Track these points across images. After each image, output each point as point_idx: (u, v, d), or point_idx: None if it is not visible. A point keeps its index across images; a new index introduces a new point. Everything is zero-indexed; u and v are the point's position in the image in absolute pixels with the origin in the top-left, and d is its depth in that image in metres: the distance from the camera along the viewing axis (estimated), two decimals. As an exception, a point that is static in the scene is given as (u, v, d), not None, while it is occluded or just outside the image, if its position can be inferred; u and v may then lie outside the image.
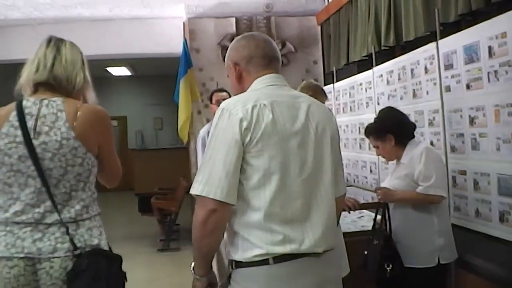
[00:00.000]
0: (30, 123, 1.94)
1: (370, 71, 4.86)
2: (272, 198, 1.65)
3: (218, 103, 4.49)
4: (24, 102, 2.02)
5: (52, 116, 1.95)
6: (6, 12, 7.01)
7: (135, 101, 14.28)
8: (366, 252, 3.05)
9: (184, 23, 7.07)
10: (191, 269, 1.79)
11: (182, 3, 6.86)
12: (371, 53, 4.95)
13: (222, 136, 1.67)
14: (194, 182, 1.68)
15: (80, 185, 1.98)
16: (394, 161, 3.13)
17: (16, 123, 1.93)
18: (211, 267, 1.81)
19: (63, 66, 2.13)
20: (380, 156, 3.25)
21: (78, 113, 1.98)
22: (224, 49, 6.93)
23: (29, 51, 7.38)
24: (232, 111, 1.68)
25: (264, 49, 1.90)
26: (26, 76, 2.12)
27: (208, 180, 1.63)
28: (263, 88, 1.84)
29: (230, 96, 4.22)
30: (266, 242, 1.63)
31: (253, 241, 1.65)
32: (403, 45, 4.60)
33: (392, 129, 2.97)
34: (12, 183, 1.92)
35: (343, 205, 2.13)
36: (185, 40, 6.77)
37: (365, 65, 5.34)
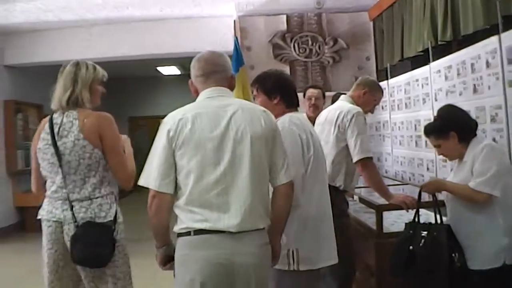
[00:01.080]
0: (56, 130, 2.68)
1: (427, 66, 4.75)
2: (191, 188, 2.13)
3: (309, 99, 4.49)
4: (54, 115, 2.74)
5: (69, 123, 2.67)
6: (60, 14, 7.19)
7: (185, 99, 13.97)
8: (411, 247, 2.92)
9: (234, 21, 7.09)
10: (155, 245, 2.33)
11: (232, 1, 6.89)
12: (427, 48, 4.84)
13: (157, 142, 2.21)
14: (140, 176, 2.22)
15: (91, 173, 2.66)
16: (456, 160, 3.02)
17: (48, 130, 2.70)
18: (169, 241, 2.31)
19: (83, 90, 2.77)
20: (441, 156, 3.13)
21: (85, 120, 2.66)
22: (276, 46, 6.93)
23: (82, 51, 7.59)
24: (165, 122, 2.22)
25: (203, 68, 2.36)
26: (56, 98, 2.75)
27: (147, 175, 2.19)
28: (201, 100, 2.32)
29: (322, 94, 4.40)
30: (189, 219, 2.14)
31: (182, 218, 2.17)
32: (460, 39, 4.48)
33: (455, 127, 2.86)
34: (51, 172, 2.71)
35: (287, 192, 2.31)
36: (236, 38, 6.77)
37: (419, 61, 5.22)
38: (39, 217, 2.76)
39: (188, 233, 2.14)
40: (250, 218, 2.14)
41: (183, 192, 2.16)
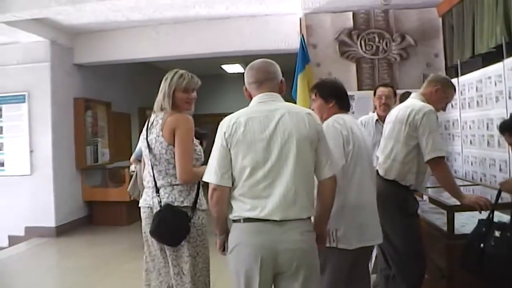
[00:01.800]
0: (148, 127, 3.21)
1: (500, 63, 4.58)
2: (243, 182, 2.48)
3: (380, 98, 4.47)
4: (152, 115, 3.25)
5: (156, 123, 3.15)
6: (128, 14, 7.39)
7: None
8: (482, 245, 2.86)
9: (300, 18, 7.07)
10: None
11: (298, -1, 6.86)
12: (500, 45, 4.67)
13: (216, 143, 2.56)
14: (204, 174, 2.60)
15: (170, 166, 3.10)
16: None
17: (145, 126, 3.26)
18: (227, 229, 2.69)
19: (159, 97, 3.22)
20: None
21: (166, 120, 3.09)
22: (342, 44, 6.87)
23: (149, 50, 7.78)
24: (221, 125, 2.56)
25: (255, 76, 2.66)
26: (156, 104, 3.22)
27: (209, 172, 2.55)
28: (254, 105, 2.63)
29: (393, 92, 4.45)
30: (240, 209, 2.50)
31: (234, 207, 2.54)
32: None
33: None
34: (146, 162, 3.24)
35: (331, 185, 2.63)
36: (302, 35, 6.75)
37: (491, 57, 5.05)
38: (139, 205, 3.29)
39: (239, 220, 2.51)
40: (292, 209, 2.45)
41: (236, 185, 2.51)
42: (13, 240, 7.98)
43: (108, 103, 9.87)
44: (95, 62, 8.74)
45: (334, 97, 3.11)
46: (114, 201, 8.79)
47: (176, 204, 3.05)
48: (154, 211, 3.09)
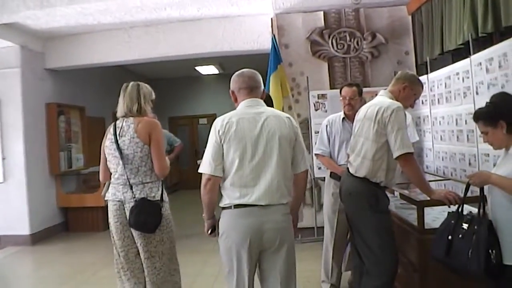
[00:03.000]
0: (118, 131, 3.60)
1: (467, 59, 4.65)
2: (234, 173, 2.88)
3: (344, 98, 4.51)
4: (117, 122, 3.66)
5: (127, 127, 3.59)
6: (99, 17, 7.35)
7: (224, 98, 14.04)
8: (450, 237, 2.90)
9: (272, 19, 7.09)
10: (202, 216, 3.11)
11: (269, -1, 6.88)
12: (468, 41, 4.75)
13: (210, 139, 2.95)
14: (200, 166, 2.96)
15: (143, 163, 3.55)
16: (502, 150, 2.93)
17: (112, 131, 3.62)
18: (214, 215, 3.10)
19: (127, 104, 3.65)
20: (487, 143, 3.03)
21: (139, 124, 3.56)
22: (314, 43, 6.91)
23: (122, 53, 7.73)
24: (216, 124, 2.95)
25: (247, 83, 3.06)
26: (119, 110, 3.69)
27: (204, 163, 2.93)
28: (242, 108, 3.02)
29: (358, 92, 4.53)
30: (230, 197, 2.90)
31: (225, 196, 2.94)
32: (502, 31, 4.37)
33: (505, 116, 2.77)
34: (113, 163, 3.61)
35: (304, 177, 3.11)
36: (274, 36, 6.78)
37: (460, 54, 5.13)
38: (105, 199, 3.68)
39: (230, 207, 2.90)
40: (275, 195, 2.89)
41: (227, 176, 2.91)
42: (-13, 249, 7.84)
43: (82, 107, 9.77)
44: (67, 66, 8.64)
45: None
46: (90, 207, 8.71)
47: (149, 198, 3.52)
48: (126, 205, 3.53)
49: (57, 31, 7.98)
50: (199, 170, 2.95)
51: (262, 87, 3.16)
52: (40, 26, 7.55)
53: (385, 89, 3.64)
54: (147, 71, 11.43)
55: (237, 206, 2.88)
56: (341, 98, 4.59)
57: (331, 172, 4.65)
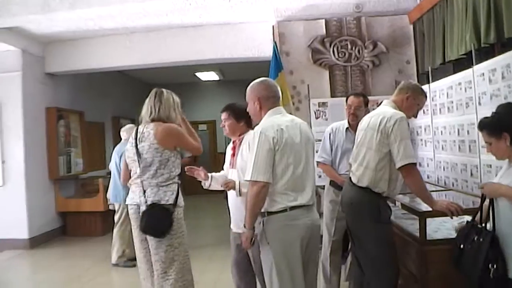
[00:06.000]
0: (138, 136, 3.73)
1: (470, 70, 4.64)
2: (289, 178, 3.02)
3: (349, 107, 4.49)
4: (139, 127, 3.80)
5: (147, 133, 3.70)
6: (101, 22, 7.35)
7: (223, 105, 14.28)
8: (462, 246, 2.89)
9: (273, 26, 7.10)
10: (243, 225, 3.13)
11: (270, 7, 6.88)
12: (470, 51, 4.74)
13: (262, 146, 2.98)
14: (247, 173, 3.02)
15: (162, 166, 3.66)
16: (505, 161, 2.91)
17: (134, 136, 3.78)
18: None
19: (150, 110, 3.79)
20: (490, 154, 3.00)
21: (158, 129, 3.66)
22: (315, 51, 6.91)
23: (123, 59, 7.72)
24: (267, 132, 3.01)
25: (276, 92, 3.27)
26: (143, 116, 3.81)
27: (258, 171, 2.95)
28: (277, 117, 3.16)
29: (364, 102, 4.56)
30: (284, 200, 3.03)
31: (278, 200, 3.03)
32: (505, 42, 4.37)
33: (509, 128, 2.75)
34: (133, 166, 3.75)
35: None
36: (275, 43, 6.78)
37: (462, 63, 5.12)
38: (127, 203, 3.85)
39: (285, 210, 3.02)
40: (313, 196, 3.17)
41: (279, 180, 3.01)
42: (-15, 253, 7.80)
43: (81, 112, 9.76)
44: (68, 71, 8.65)
45: (245, 117, 3.82)
46: (88, 212, 8.70)
47: (162, 202, 3.60)
48: (141, 208, 3.63)
49: (58, 36, 7.99)
50: (250, 178, 2.98)
51: None
52: (41, 30, 7.55)
53: (388, 98, 3.63)
54: (147, 76, 11.42)
55: (292, 208, 3.03)
56: (346, 107, 4.57)
57: (330, 180, 4.63)
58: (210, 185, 4.00)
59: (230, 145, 4.13)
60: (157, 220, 3.55)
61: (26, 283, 6.37)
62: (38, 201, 8.25)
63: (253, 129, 3.69)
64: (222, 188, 3.95)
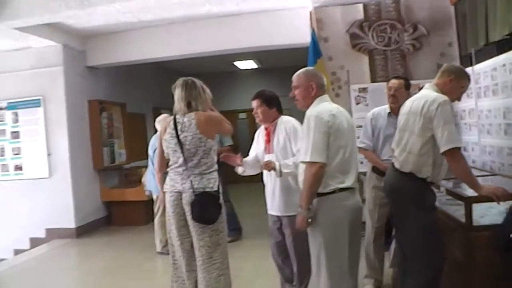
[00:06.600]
0: (178, 127, 3.75)
1: (514, 50, 4.51)
2: (340, 160, 3.14)
3: (389, 90, 4.44)
4: (177, 116, 3.80)
5: (188, 122, 3.73)
6: (138, 15, 7.40)
7: None
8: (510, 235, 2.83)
9: (310, 12, 7.02)
10: (299, 206, 3.19)
11: (308, -7, 6.81)
12: (514, 32, 4.61)
13: (318, 129, 3.10)
14: (303, 155, 3.17)
15: (205, 155, 3.73)
16: None
17: (172, 126, 3.77)
18: None
19: (196, 99, 3.81)
20: None
21: (200, 119, 3.73)
22: (353, 36, 6.82)
23: (162, 50, 7.80)
24: (322, 116, 3.13)
25: (324, 80, 3.43)
26: (179, 105, 3.79)
27: (315, 153, 3.07)
28: (326, 103, 3.32)
29: (405, 85, 4.45)
30: (335, 182, 3.14)
31: (329, 182, 3.13)
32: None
33: None
34: (174, 156, 3.77)
35: None
36: (313, 29, 6.72)
37: (506, 44, 4.98)
38: (164, 190, 3.85)
39: (334, 191, 3.13)
40: (356, 179, 3.27)
41: (331, 162, 3.11)
42: (35, 242, 8.08)
43: (123, 104, 9.91)
44: (108, 64, 8.81)
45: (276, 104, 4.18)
46: (132, 201, 8.85)
47: (207, 190, 3.68)
48: (184, 195, 3.69)
49: (97, 30, 8.12)
50: (307, 159, 3.10)
51: None
52: (81, 25, 7.70)
53: (430, 82, 3.56)
54: (185, 67, 11.47)
55: (341, 189, 3.14)
56: (386, 90, 4.51)
57: (373, 166, 4.59)
58: (244, 170, 4.18)
59: (261, 132, 4.26)
60: (208, 208, 3.65)
61: (74, 270, 6.55)
62: (83, 192, 8.46)
63: (284, 114, 4.16)
64: (257, 172, 4.20)
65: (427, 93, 3.39)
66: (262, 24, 7.59)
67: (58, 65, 8.11)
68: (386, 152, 4.38)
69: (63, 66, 8.13)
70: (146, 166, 7.34)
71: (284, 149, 4.00)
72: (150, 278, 5.81)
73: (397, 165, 3.45)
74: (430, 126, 3.21)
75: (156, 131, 6.53)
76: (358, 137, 4.01)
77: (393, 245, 4.50)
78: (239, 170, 4.20)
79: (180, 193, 3.72)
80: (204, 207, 3.63)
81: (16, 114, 8.31)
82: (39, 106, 8.25)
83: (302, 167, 3.24)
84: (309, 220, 3.16)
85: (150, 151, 6.54)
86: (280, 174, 3.84)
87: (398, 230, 3.61)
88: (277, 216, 4.13)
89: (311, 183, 3.08)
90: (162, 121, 6.19)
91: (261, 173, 4.21)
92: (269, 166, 3.85)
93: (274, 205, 4.10)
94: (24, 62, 8.24)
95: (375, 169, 4.54)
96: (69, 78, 8.24)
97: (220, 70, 13.38)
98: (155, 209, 6.68)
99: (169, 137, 3.79)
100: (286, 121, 4.09)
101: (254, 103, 4.14)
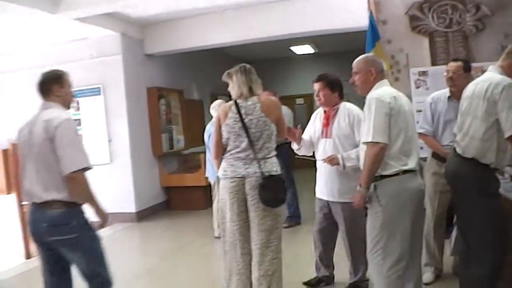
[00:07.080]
0: (242, 111, 3.76)
1: None
2: (402, 142, 3.15)
3: (447, 72, 4.34)
4: (238, 101, 3.81)
5: (253, 106, 3.77)
6: (193, 2, 7.46)
7: None
8: None
9: (368, -5, 6.87)
10: (358, 185, 3.22)
11: (364, -25, 6.68)
12: None
13: (379, 111, 3.11)
14: (364, 136, 3.22)
15: (268, 140, 3.76)
16: None
17: (235, 111, 3.77)
18: None
19: (248, 85, 3.83)
20: None
21: (265, 102, 3.82)
22: (413, 18, 6.65)
23: (217, 36, 7.84)
24: (383, 98, 3.15)
25: (383, 66, 3.49)
26: (237, 91, 3.83)
27: (377, 133, 3.08)
28: (384, 87, 3.33)
29: (464, 67, 4.31)
30: (398, 164, 3.15)
31: (392, 164, 3.15)
32: None
33: None
34: (236, 140, 3.75)
35: None
36: (371, 12, 6.58)
37: None
38: (221, 176, 3.84)
39: (397, 173, 3.15)
40: (418, 162, 3.29)
41: (393, 144, 3.14)
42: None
43: (181, 91, 10.05)
44: (165, 51, 8.96)
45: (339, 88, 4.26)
46: (191, 186, 9.01)
47: (272, 173, 3.72)
48: (248, 179, 3.69)
49: (154, 18, 8.24)
50: (372, 140, 3.11)
51: None
52: (138, 14, 7.84)
53: (494, 64, 3.42)
54: (242, 53, 11.50)
55: (405, 171, 3.15)
56: (445, 73, 4.39)
57: (433, 152, 4.47)
58: (300, 147, 4.31)
59: (320, 114, 4.29)
60: (277, 191, 3.70)
61: (134, 252, 6.82)
62: (143, 177, 8.67)
63: (345, 101, 4.20)
64: (310, 153, 4.32)
65: (491, 76, 3.26)
66: (318, 7, 7.50)
67: (117, 54, 8.29)
68: (446, 137, 4.27)
69: (122, 55, 8.30)
70: (203, 152, 7.44)
71: (345, 136, 4.02)
72: (208, 260, 5.95)
73: (459, 151, 3.35)
74: (494, 110, 3.09)
75: (211, 117, 6.59)
76: (417, 122, 3.93)
77: (454, 233, 4.39)
78: (295, 146, 4.32)
79: (243, 178, 3.73)
80: (274, 190, 3.67)
81: (77, 103, 8.53)
82: (99, 94, 8.47)
83: (363, 148, 3.25)
84: (366, 199, 3.22)
85: (206, 137, 6.59)
86: (344, 167, 3.92)
87: (460, 217, 3.52)
88: (327, 201, 4.13)
89: (372, 163, 3.11)
90: (217, 107, 6.22)
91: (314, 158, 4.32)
92: (333, 161, 3.95)
93: (326, 189, 4.09)
94: (84, 52, 8.45)
95: (435, 155, 4.43)
96: (128, 66, 8.42)
97: (277, 55, 13.34)
98: (213, 194, 6.75)
99: (232, 121, 3.78)
100: (350, 109, 4.11)
101: (316, 86, 4.15)
